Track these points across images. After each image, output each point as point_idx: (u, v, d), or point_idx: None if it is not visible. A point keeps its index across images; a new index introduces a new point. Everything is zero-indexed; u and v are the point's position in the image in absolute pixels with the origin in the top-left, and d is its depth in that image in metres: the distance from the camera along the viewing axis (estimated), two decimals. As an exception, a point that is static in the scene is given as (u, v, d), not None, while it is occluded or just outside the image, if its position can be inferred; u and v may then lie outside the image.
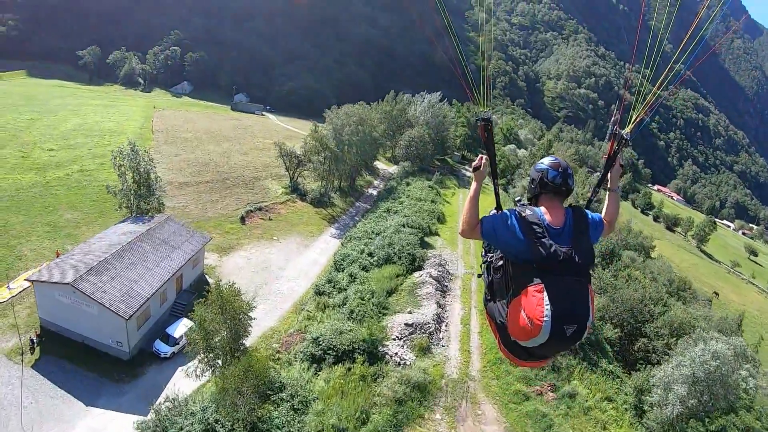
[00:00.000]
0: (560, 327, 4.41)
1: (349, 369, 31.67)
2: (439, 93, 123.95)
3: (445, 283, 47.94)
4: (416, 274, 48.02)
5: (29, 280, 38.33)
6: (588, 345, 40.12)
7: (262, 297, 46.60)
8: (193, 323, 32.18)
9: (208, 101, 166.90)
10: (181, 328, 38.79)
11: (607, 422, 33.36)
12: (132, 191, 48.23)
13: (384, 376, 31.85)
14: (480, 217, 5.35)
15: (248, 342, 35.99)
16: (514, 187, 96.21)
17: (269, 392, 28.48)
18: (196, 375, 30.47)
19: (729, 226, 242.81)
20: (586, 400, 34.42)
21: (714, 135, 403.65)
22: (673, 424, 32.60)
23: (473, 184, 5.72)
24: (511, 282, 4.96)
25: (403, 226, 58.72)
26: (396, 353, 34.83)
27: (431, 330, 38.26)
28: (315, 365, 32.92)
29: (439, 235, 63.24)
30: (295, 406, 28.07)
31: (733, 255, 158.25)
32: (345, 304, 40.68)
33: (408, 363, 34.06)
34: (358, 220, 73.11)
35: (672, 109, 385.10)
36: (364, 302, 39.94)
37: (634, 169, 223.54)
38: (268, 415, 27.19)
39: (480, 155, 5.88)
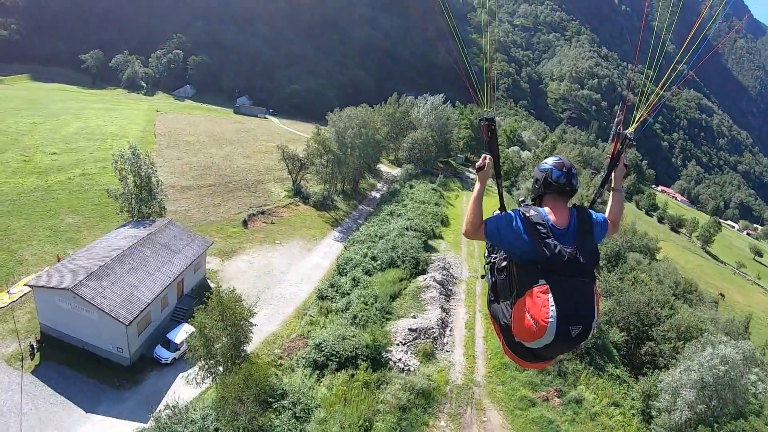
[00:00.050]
0: (565, 328, 4.40)
1: (352, 375, 31.19)
2: (442, 95, 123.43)
3: (450, 287, 47.44)
4: (420, 278, 47.53)
5: (29, 285, 38.01)
6: (594, 349, 39.65)
7: (264, 301, 46.26)
8: (194, 329, 31.79)
9: (210, 104, 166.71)
10: (182, 333, 38.38)
11: (614, 428, 32.95)
12: (133, 195, 47.93)
13: (387, 383, 31.37)
14: (484, 217, 5.31)
15: (250, 347, 35.63)
16: (518, 189, 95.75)
17: (270, 400, 28.05)
18: (197, 382, 30.05)
19: (733, 227, 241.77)
20: (593, 406, 34.02)
21: (717, 135, 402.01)
22: (682, 429, 32.16)
23: (477, 185, 5.69)
24: (516, 283, 4.93)
25: (407, 229, 58.23)
26: (400, 359, 34.36)
27: (435, 335, 37.79)
28: (317, 372, 32.48)
29: (443, 238, 62.70)
30: (297, 414, 27.61)
31: (738, 256, 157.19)
32: (348, 309, 40.24)
33: (412, 369, 33.59)
34: (361, 223, 72.58)
35: (675, 110, 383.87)
36: (367, 307, 39.50)
37: (638, 170, 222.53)
38: (269, 423, 26.75)
39: (484, 155, 5.85)
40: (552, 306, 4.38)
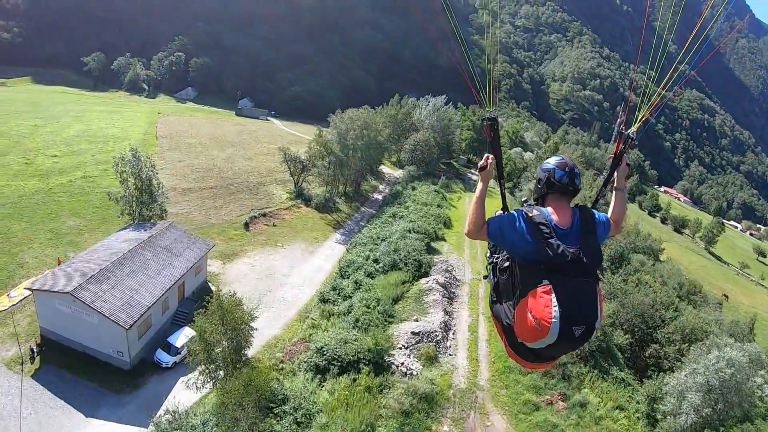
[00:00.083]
0: (569, 328, 4.41)
1: (354, 380, 30.87)
2: (444, 96, 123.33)
3: (452, 290, 47.12)
4: (423, 280, 47.17)
5: (29, 289, 37.82)
6: (599, 352, 39.34)
7: (265, 304, 45.96)
8: (194, 332, 31.53)
9: (212, 107, 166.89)
10: (182, 337, 38.12)
11: (618, 432, 32.62)
12: (134, 198, 47.74)
13: (390, 387, 31.04)
14: (486, 218, 5.32)
15: (251, 351, 35.34)
16: (521, 190, 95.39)
17: (272, 405, 27.71)
18: (197, 387, 29.75)
19: (736, 227, 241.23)
20: (597, 409, 33.68)
21: (720, 135, 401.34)
22: (687, 433, 31.85)
23: (479, 185, 5.68)
24: (518, 283, 4.94)
25: (409, 231, 57.92)
26: (402, 363, 34.02)
27: (438, 338, 37.47)
28: (319, 376, 32.11)
29: (445, 240, 62.39)
30: (298, 420, 27.26)
31: (741, 256, 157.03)
32: (350, 313, 39.88)
33: (415, 373, 33.27)
34: (363, 225, 72.37)
35: (677, 110, 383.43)
36: (369, 310, 39.16)
37: (641, 171, 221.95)
38: (270, 429, 26.44)
39: (486, 155, 5.82)
40: (555, 306, 4.37)
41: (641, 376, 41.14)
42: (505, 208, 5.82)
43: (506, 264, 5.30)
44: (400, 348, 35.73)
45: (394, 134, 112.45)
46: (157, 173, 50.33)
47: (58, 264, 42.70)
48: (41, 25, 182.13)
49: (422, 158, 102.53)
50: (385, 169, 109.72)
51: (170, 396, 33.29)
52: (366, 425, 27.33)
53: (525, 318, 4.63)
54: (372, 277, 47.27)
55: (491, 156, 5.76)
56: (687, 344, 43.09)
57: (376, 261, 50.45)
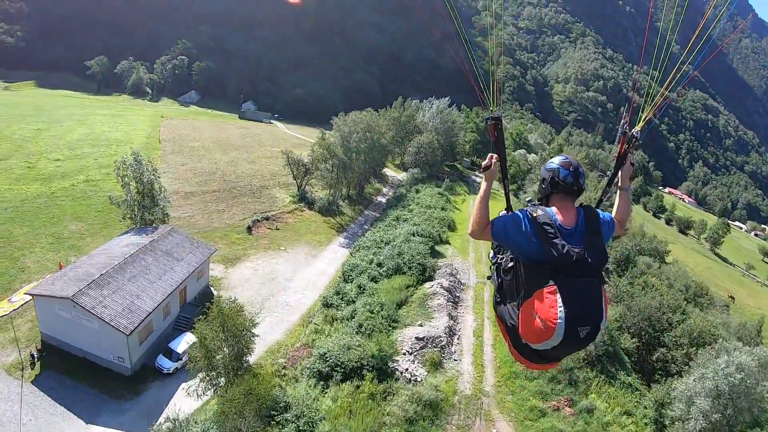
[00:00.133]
0: (574, 329, 4.36)
1: (358, 387, 30.52)
2: (447, 98, 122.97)
3: (457, 294, 46.71)
4: (427, 284, 46.83)
5: (29, 294, 37.48)
6: (605, 356, 38.92)
7: (268, 309, 45.61)
8: (195, 338, 31.16)
9: (216, 110, 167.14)
10: (184, 343, 37.71)
11: (626, 438, 32.23)
12: (136, 202, 47.36)
13: (394, 394, 30.69)
14: (490, 218, 5.26)
15: (254, 356, 34.88)
16: (525, 192, 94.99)
17: (273, 412, 27.31)
18: (198, 394, 29.35)
19: (741, 228, 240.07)
20: (605, 415, 33.43)
21: (724, 135, 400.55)
22: (696, 439, 31.38)
23: (483, 184, 5.58)
24: (523, 284, 4.86)
25: (413, 234, 57.59)
26: (406, 369, 33.64)
27: (443, 344, 37.06)
28: (322, 382, 31.77)
29: (449, 244, 62.02)
30: (301, 428, 26.88)
31: (747, 257, 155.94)
32: (353, 318, 39.52)
33: (419, 379, 32.89)
34: (367, 228, 71.98)
35: (681, 111, 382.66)
36: (373, 315, 38.78)
37: (645, 172, 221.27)
38: (272, 437, 26.07)
39: (490, 154, 5.77)
40: (560, 307, 4.32)
41: (649, 381, 40.78)
42: (509, 208, 5.79)
43: (510, 264, 5.27)
44: (404, 354, 35.36)
45: (398, 137, 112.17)
46: (159, 177, 49.96)
47: (60, 268, 42.45)
48: (45, 29, 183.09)
49: (426, 161, 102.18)
50: (389, 171, 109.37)
51: (171, 403, 32.94)
52: (369, 433, 26.96)
53: (530, 319, 4.60)
54: (376, 282, 46.95)
55: (495, 155, 5.70)
56: (695, 348, 42.75)
57: (379, 265, 50.12)
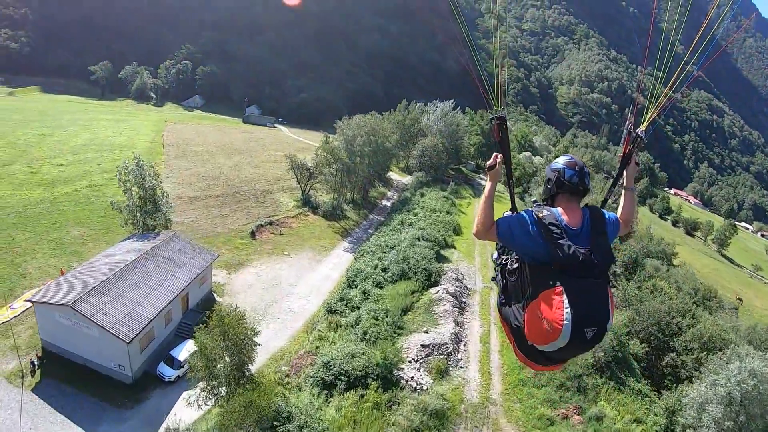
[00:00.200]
0: (580, 330, 4.35)
1: (362, 396, 29.88)
2: (452, 101, 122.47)
3: (463, 299, 46.03)
4: (432, 290, 46.17)
5: (29, 301, 37.19)
6: (614, 362, 38.29)
7: (272, 315, 45.19)
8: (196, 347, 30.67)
9: (219, 114, 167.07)
10: (186, 350, 37.18)
11: (636, 446, 31.63)
12: (138, 207, 47.01)
13: (399, 404, 30.05)
14: (495, 218, 5.23)
15: (256, 364, 34.39)
16: (531, 195, 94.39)
17: (275, 423, 26.64)
18: (198, 404, 28.82)
19: (747, 228, 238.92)
20: (615, 423, 32.79)
21: (729, 136, 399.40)
22: (707, 447, 30.77)
23: (488, 184, 5.63)
24: (528, 285, 4.85)
25: (418, 239, 57.02)
26: (412, 377, 33.00)
27: (449, 351, 36.41)
28: (325, 391, 31.14)
29: (455, 248, 61.34)
30: (304, 439, 26.31)
31: (754, 258, 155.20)
32: (358, 324, 38.91)
33: (425, 388, 32.24)
34: (371, 233, 71.34)
35: (686, 111, 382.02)
36: (377, 322, 38.15)
37: (651, 173, 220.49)
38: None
39: (495, 154, 5.78)
40: (567, 308, 4.31)
41: (658, 387, 40.26)
42: (514, 209, 5.80)
43: (515, 265, 5.25)
44: (410, 361, 34.73)
45: (402, 140, 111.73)
46: (161, 182, 49.65)
47: (61, 274, 42.10)
48: (49, 35, 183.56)
49: (431, 164, 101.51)
50: (394, 175, 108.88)
51: (171, 413, 32.41)
52: (374, 444, 26.34)
53: (536, 320, 4.59)
54: (380, 287, 46.38)
55: (500, 155, 5.72)
56: (705, 353, 42.29)
57: (384, 270, 49.55)
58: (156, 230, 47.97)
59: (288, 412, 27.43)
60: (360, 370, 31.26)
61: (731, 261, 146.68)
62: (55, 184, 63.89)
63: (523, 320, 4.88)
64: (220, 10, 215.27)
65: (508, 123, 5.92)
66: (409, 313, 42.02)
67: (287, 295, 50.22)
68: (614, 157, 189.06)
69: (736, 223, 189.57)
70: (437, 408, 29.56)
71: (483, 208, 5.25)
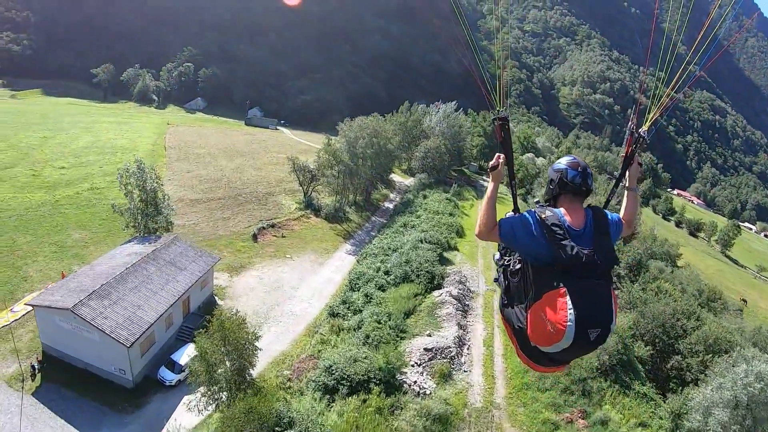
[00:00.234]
0: (584, 331, 4.33)
1: (365, 401, 29.60)
2: (454, 102, 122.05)
3: (466, 302, 45.69)
4: (435, 293, 45.84)
5: (29, 305, 36.98)
6: (619, 365, 37.88)
7: (273, 319, 44.92)
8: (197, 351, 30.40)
9: (222, 116, 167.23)
10: (186, 354, 36.95)
11: (642, 450, 31.33)
12: (139, 210, 46.84)
13: (402, 408, 29.77)
14: (498, 219, 5.21)
15: (258, 368, 34.20)
16: (534, 197, 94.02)
17: (277, 428, 26.31)
18: (199, 409, 28.54)
19: (751, 229, 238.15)
20: (619, 427, 32.51)
21: (732, 136, 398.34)
22: (713, 451, 30.46)
23: (490, 184, 5.59)
24: (531, 286, 4.81)
25: (421, 241, 56.71)
26: (415, 381, 32.70)
27: (452, 354, 36.07)
28: (327, 396, 30.86)
29: (458, 250, 60.96)
30: (305, 445, 26.01)
31: (758, 259, 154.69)
32: (360, 328, 38.61)
33: (428, 392, 31.94)
34: (374, 235, 71.04)
35: (689, 112, 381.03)
36: (380, 326, 37.87)
37: (654, 174, 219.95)
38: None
39: (497, 154, 5.72)
40: (570, 309, 4.28)
41: (663, 390, 39.93)
42: (516, 209, 5.73)
43: (518, 266, 5.22)
44: (413, 365, 34.44)
45: (405, 142, 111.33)
46: (162, 185, 49.55)
47: (62, 278, 41.96)
48: (51, 38, 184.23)
49: (433, 166, 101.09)
50: (396, 177, 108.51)
51: (172, 418, 32.19)
52: (377, 450, 26.05)
53: (539, 322, 4.56)
54: (383, 290, 46.11)
55: (502, 155, 5.67)
56: (711, 355, 42.00)
57: (387, 273, 49.28)
58: (157, 233, 47.81)
59: (289, 417, 27.12)
60: (362, 375, 30.98)
61: (735, 262, 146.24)
62: (56, 186, 63.85)
63: (526, 322, 4.84)
64: (221, 12, 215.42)
65: (510, 124, 5.85)
66: (412, 316, 41.72)
67: (289, 298, 49.92)
68: (617, 158, 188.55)
69: (740, 223, 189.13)
70: (440, 413, 29.26)
71: (485, 209, 5.24)
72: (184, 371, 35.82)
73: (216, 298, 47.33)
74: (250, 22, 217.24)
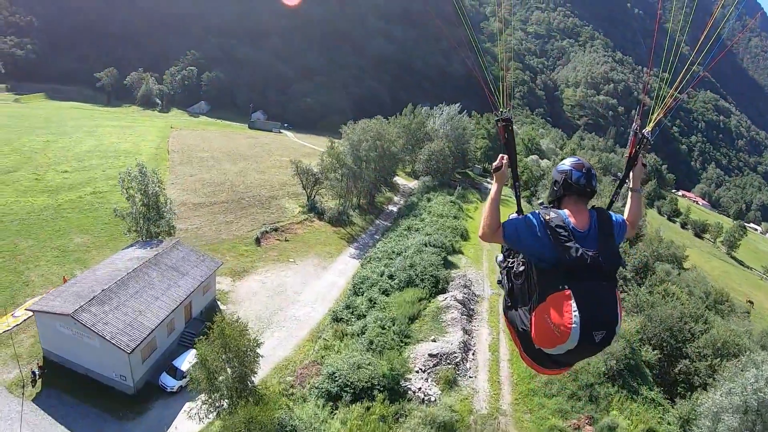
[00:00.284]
0: (589, 333, 4.30)
1: (368, 408, 29.20)
2: (458, 105, 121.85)
3: (471, 306, 45.30)
4: (440, 297, 45.48)
5: (30, 310, 36.69)
6: (627, 370, 37.45)
7: (276, 324, 44.43)
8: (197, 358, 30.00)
9: (225, 120, 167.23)
10: (189, 360, 36.54)
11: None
12: (141, 214, 46.58)
13: (406, 416, 29.34)
14: (502, 220, 5.17)
15: (261, 374, 33.75)
16: (538, 199, 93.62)
17: (279, 437, 26.00)
18: (200, 417, 28.11)
19: (756, 230, 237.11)
20: (627, 433, 31.82)
21: (736, 136, 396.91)
22: (723, 457, 30.04)
23: (494, 186, 5.54)
24: (535, 287, 4.77)
25: (425, 245, 56.42)
26: (419, 388, 32.25)
27: (457, 360, 35.65)
28: (331, 403, 30.42)
29: (463, 253, 60.59)
30: (308, 454, 25.56)
31: (764, 260, 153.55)
32: (364, 333, 38.17)
33: (432, 399, 31.50)
34: (378, 238, 70.67)
35: (693, 112, 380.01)
36: (384, 331, 37.44)
37: (659, 175, 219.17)
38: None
39: (501, 155, 5.71)
40: (575, 311, 4.25)
41: (671, 394, 39.48)
42: (520, 211, 5.66)
43: (521, 268, 5.19)
44: (417, 371, 34.02)
45: (408, 144, 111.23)
46: (164, 189, 49.21)
47: (64, 282, 41.57)
48: (55, 42, 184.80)
49: (437, 168, 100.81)
50: (400, 180, 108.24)
51: (173, 426, 31.79)
52: (381, 459, 25.59)
53: (543, 324, 4.52)
54: (387, 295, 45.73)
55: (505, 156, 5.65)
56: (719, 359, 41.54)
57: (391, 277, 48.91)
58: (159, 237, 47.52)
59: (292, 426, 26.74)
60: (366, 382, 30.59)
61: (741, 263, 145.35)
62: (59, 190, 63.74)
63: (530, 324, 4.79)
64: (225, 15, 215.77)
65: (514, 125, 5.83)
66: (417, 321, 41.34)
67: (292, 302, 49.43)
68: (621, 160, 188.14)
69: (745, 224, 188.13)
70: (446, 420, 28.82)
71: (489, 210, 5.17)
72: (185, 377, 35.47)
73: (218, 303, 46.92)
74: (253, 26, 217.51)
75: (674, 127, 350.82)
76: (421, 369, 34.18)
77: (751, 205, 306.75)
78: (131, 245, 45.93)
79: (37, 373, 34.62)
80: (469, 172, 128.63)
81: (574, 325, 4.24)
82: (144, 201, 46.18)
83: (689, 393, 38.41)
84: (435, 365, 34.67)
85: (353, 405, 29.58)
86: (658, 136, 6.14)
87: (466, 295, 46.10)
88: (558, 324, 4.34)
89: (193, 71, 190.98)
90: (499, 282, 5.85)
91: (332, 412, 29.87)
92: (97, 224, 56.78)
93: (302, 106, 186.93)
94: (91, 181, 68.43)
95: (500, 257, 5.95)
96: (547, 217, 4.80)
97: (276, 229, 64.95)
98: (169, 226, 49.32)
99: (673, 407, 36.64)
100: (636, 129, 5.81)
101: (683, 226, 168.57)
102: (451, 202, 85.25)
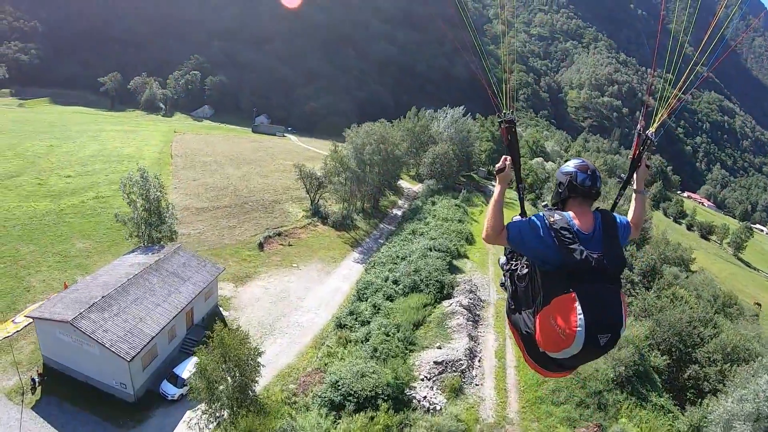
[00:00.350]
0: (594, 336, 4.26)
1: (372, 418, 28.56)
2: (462, 107, 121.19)
3: (477, 312, 44.64)
4: (445, 303, 44.85)
5: (29, 317, 36.36)
6: (635, 377, 36.80)
7: (279, 330, 43.85)
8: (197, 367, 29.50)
9: (229, 124, 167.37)
10: (189, 369, 36.02)
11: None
12: (142, 220, 46.17)
13: (411, 426, 28.75)
14: (505, 222, 5.12)
15: (263, 382, 33.28)
16: (543, 201, 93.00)
17: (281, 448, 25.44)
18: (200, 428, 27.58)
19: (762, 230, 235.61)
20: (637, 441, 31.21)
21: (741, 137, 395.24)
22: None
23: (497, 187, 5.52)
24: (539, 290, 4.76)
25: (430, 249, 55.75)
26: (424, 397, 31.66)
27: (463, 367, 35.02)
28: (334, 412, 29.81)
29: (468, 258, 59.94)
30: (311, 465, 25.01)
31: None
32: (368, 340, 37.57)
33: (438, 408, 30.89)
34: (382, 243, 69.90)
35: (697, 113, 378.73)
36: (388, 338, 36.85)
37: (664, 177, 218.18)
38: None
39: (504, 156, 5.67)
40: (580, 314, 4.22)
41: (680, 400, 38.82)
42: (523, 213, 5.71)
43: (525, 271, 5.16)
44: (422, 379, 33.43)
45: (412, 147, 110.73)
46: (166, 194, 48.91)
47: (65, 288, 41.28)
48: (59, 47, 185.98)
49: (442, 171, 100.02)
50: (404, 183, 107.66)
51: (175, 432, 31.33)
52: (385, 470, 25.00)
53: (548, 327, 4.50)
54: (391, 300, 45.14)
55: (509, 158, 5.60)
56: (729, 364, 40.80)
57: (395, 282, 48.31)
58: (161, 243, 47.09)
59: (294, 436, 26.20)
60: (370, 390, 30.00)
61: (747, 264, 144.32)
62: (61, 195, 63.64)
63: (535, 327, 4.79)
64: (228, 20, 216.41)
65: (518, 127, 5.77)
66: (421, 327, 40.74)
67: (295, 308, 48.78)
68: (626, 161, 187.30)
69: (751, 225, 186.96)
70: (452, 430, 28.20)
71: (492, 212, 5.15)
72: (186, 385, 34.98)
73: (221, 309, 46.42)
74: (256, 30, 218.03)
75: (679, 128, 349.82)
76: (426, 377, 33.59)
77: (757, 205, 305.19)
78: (133, 251, 45.60)
79: (36, 380, 34.37)
80: (474, 175, 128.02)
81: (578, 329, 4.20)
82: (145, 206, 45.78)
83: (699, 399, 37.71)
84: (440, 373, 34.07)
85: (357, 414, 28.94)
86: (663, 137, 6.12)
87: (471, 301, 45.44)
88: (563, 327, 4.30)
89: (196, 75, 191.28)
90: (502, 284, 5.90)
91: (335, 421, 29.26)
92: (99, 229, 56.49)
93: (305, 109, 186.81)
94: (94, 186, 68.27)
95: (503, 259, 5.99)
96: (552, 219, 4.77)
97: (279, 234, 64.41)
98: (171, 231, 48.84)
99: (683, 414, 35.94)
100: (640, 130, 5.77)
101: (689, 227, 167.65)
102: (456, 205, 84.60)
